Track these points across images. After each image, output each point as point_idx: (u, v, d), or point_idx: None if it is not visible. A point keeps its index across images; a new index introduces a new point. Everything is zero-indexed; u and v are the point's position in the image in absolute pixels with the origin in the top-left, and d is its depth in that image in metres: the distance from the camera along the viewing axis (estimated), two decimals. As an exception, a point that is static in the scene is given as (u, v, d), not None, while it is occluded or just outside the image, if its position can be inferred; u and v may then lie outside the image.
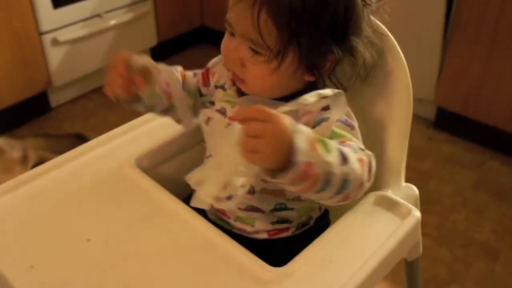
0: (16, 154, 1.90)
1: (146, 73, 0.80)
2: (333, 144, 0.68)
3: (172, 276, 0.71)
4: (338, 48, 0.77)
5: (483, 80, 2.04)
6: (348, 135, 0.76)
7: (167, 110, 0.90)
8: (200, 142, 0.95)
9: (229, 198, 0.72)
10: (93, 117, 2.38)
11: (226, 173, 0.69)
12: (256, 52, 0.75)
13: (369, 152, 0.74)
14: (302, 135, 0.63)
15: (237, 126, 0.65)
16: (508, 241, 1.74)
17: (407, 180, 0.92)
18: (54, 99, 2.42)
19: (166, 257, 0.74)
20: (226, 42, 0.80)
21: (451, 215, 1.84)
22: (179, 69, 0.94)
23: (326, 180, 0.65)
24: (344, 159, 0.67)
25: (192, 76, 0.94)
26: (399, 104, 0.89)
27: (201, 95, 0.93)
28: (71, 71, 2.39)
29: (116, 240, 0.77)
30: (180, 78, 0.91)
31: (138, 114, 1.06)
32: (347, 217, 0.80)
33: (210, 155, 0.87)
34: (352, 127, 0.78)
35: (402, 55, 0.88)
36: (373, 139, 0.91)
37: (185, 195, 0.87)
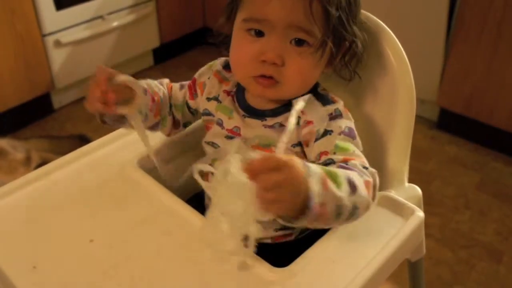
0: (19, 155, 1.91)
1: (126, 91, 0.77)
2: (341, 174, 0.66)
3: (175, 276, 0.71)
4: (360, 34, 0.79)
5: (486, 81, 2.03)
6: (351, 148, 0.75)
7: (155, 126, 0.89)
8: (199, 144, 0.94)
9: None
10: (95, 119, 2.38)
11: (240, 230, 0.64)
12: (300, 44, 0.74)
13: (373, 170, 0.73)
14: (315, 177, 0.62)
15: (243, 181, 0.60)
16: (512, 242, 1.73)
17: (410, 181, 0.92)
18: (57, 101, 2.43)
19: (169, 257, 0.74)
20: (250, 47, 0.76)
21: (454, 216, 1.84)
22: (165, 81, 0.93)
23: (337, 213, 0.65)
24: (353, 189, 0.66)
25: (179, 89, 0.92)
26: (402, 104, 0.89)
27: (189, 108, 0.91)
28: (74, 73, 2.39)
29: (119, 240, 0.76)
30: (165, 92, 0.90)
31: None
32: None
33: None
34: (353, 137, 0.78)
35: (405, 56, 0.88)
36: (377, 140, 0.91)
37: (188, 195, 0.87)
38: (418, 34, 2.11)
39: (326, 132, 0.78)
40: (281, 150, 0.64)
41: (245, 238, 0.65)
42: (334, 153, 0.75)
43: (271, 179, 0.58)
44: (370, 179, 0.71)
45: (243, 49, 0.77)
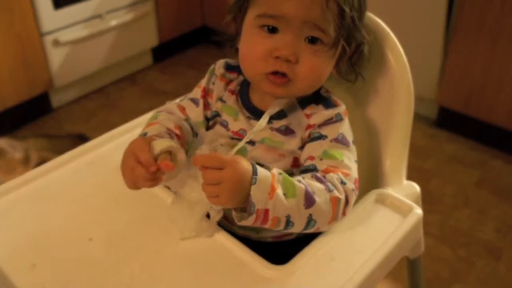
0: (18, 155, 1.91)
1: (169, 156, 0.73)
2: (300, 187, 0.70)
3: (174, 274, 0.71)
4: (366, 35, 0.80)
5: (485, 79, 2.03)
6: (340, 157, 0.76)
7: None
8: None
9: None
10: (94, 118, 2.39)
11: (202, 208, 0.74)
12: (314, 42, 0.74)
13: (350, 187, 0.74)
14: (261, 185, 0.67)
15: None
16: (511, 239, 1.73)
17: (409, 179, 0.92)
18: (56, 100, 2.43)
19: (168, 256, 0.74)
20: (263, 43, 0.75)
21: (453, 214, 1.84)
22: (173, 106, 0.88)
23: (286, 221, 0.70)
24: (309, 202, 0.70)
25: (195, 107, 0.88)
26: (401, 103, 0.89)
27: (207, 119, 0.89)
28: (73, 72, 2.39)
29: (118, 239, 0.77)
30: (180, 117, 0.87)
31: (139, 114, 1.06)
32: (349, 214, 0.80)
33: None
34: (347, 145, 0.79)
35: (403, 54, 0.88)
36: (375, 138, 0.91)
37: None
38: (417, 32, 2.11)
39: (321, 136, 0.78)
40: (241, 144, 0.72)
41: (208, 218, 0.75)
42: (321, 159, 0.76)
43: (211, 175, 0.67)
44: (340, 196, 0.72)
45: (256, 45, 0.76)
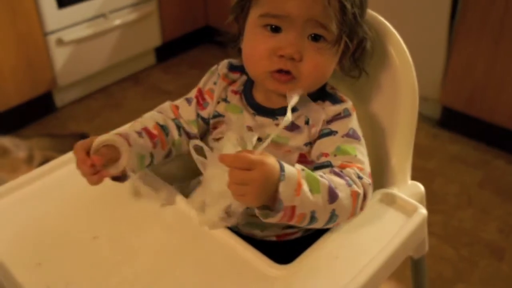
0: (21, 154, 1.91)
1: (111, 151, 0.77)
2: (323, 182, 0.69)
3: (178, 273, 0.71)
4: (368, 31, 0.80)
5: (488, 79, 2.03)
6: (353, 152, 0.77)
7: (168, 154, 0.89)
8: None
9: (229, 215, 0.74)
10: (97, 117, 2.39)
11: (226, 200, 0.72)
12: (317, 40, 0.75)
13: (367, 181, 0.74)
14: (289, 181, 0.66)
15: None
16: (514, 240, 1.73)
17: (412, 179, 0.92)
18: (59, 99, 2.43)
19: (172, 254, 0.74)
20: (267, 42, 0.76)
21: (456, 214, 1.84)
22: (166, 105, 0.91)
23: (311, 217, 0.69)
24: (332, 197, 0.70)
25: (188, 105, 0.90)
26: (405, 102, 0.89)
27: (203, 119, 0.90)
28: (76, 71, 2.40)
29: (122, 237, 0.77)
30: (168, 117, 0.89)
31: (142, 114, 1.06)
32: (353, 214, 0.80)
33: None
34: (358, 139, 0.79)
35: (408, 54, 0.88)
36: (379, 137, 0.91)
37: (191, 192, 0.87)
38: (421, 32, 2.11)
39: (331, 132, 0.79)
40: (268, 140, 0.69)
41: (228, 212, 0.73)
42: (335, 156, 0.77)
43: (239, 176, 0.65)
44: (359, 190, 0.72)
45: (259, 44, 0.77)
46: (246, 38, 0.80)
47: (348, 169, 0.74)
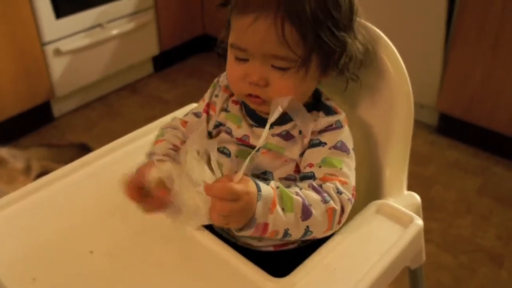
0: (19, 164, 1.91)
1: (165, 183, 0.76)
2: (297, 200, 0.71)
3: (174, 286, 0.71)
4: (351, 39, 0.78)
5: (486, 85, 2.04)
6: (338, 165, 0.77)
7: None
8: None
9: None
10: (95, 127, 2.39)
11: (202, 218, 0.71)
12: (282, 68, 0.75)
13: (346, 196, 0.75)
14: (264, 201, 0.68)
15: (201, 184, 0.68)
16: (513, 246, 1.73)
17: (410, 186, 0.92)
18: (57, 109, 2.43)
19: (169, 268, 0.74)
20: (237, 69, 0.78)
21: (455, 221, 1.84)
22: (177, 121, 0.91)
23: (284, 233, 0.71)
24: (306, 214, 0.71)
25: (196, 119, 0.91)
26: (400, 113, 0.89)
27: (208, 132, 0.90)
28: (74, 81, 2.40)
29: (119, 251, 0.77)
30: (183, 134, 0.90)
31: (140, 123, 1.06)
32: (350, 226, 0.80)
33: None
34: (347, 152, 0.79)
35: (402, 64, 0.88)
36: (375, 148, 0.91)
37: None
38: (418, 39, 2.11)
39: (320, 143, 0.79)
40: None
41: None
42: (320, 167, 0.77)
43: (225, 208, 0.66)
44: (336, 206, 0.73)
45: (233, 69, 0.79)
46: (227, 59, 0.82)
47: (328, 183, 0.75)
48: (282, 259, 0.86)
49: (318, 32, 0.73)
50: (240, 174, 0.68)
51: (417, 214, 0.83)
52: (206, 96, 0.91)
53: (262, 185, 0.69)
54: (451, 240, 1.75)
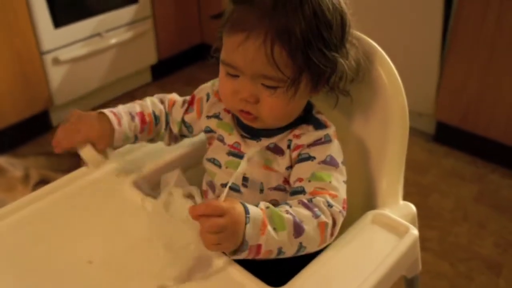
0: (17, 173, 1.91)
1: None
2: (288, 219, 0.71)
3: (172, 297, 0.71)
4: (341, 57, 0.78)
5: (482, 93, 2.05)
6: (328, 179, 0.78)
7: (152, 140, 0.95)
8: (200, 163, 0.95)
9: None
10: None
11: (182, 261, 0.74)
12: (271, 87, 0.75)
13: (337, 209, 0.75)
14: (254, 223, 0.68)
15: (185, 216, 0.70)
16: (511, 254, 1.73)
17: (408, 194, 0.92)
18: (56, 118, 2.44)
19: (168, 277, 0.74)
20: (228, 85, 0.79)
21: (452, 229, 1.84)
22: (168, 97, 0.96)
23: (278, 252, 0.71)
24: (298, 231, 0.71)
25: (181, 105, 0.94)
26: (395, 123, 0.90)
27: (184, 123, 0.94)
28: (72, 90, 2.41)
29: (117, 261, 0.77)
30: (163, 110, 0.94)
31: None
32: (345, 236, 0.81)
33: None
34: (336, 166, 0.80)
35: (397, 75, 0.89)
36: (370, 159, 0.92)
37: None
38: (414, 48, 2.13)
39: (309, 158, 0.80)
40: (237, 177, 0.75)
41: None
42: (309, 181, 0.78)
43: (214, 224, 0.66)
44: (327, 220, 0.73)
45: (224, 86, 0.80)
46: (219, 73, 0.82)
47: (318, 198, 0.75)
48: (279, 268, 0.86)
49: (308, 53, 0.73)
50: (223, 196, 0.69)
51: (413, 224, 0.84)
52: (198, 89, 0.94)
53: (250, 207, 0.70)
54: (448, 248, 1.76)
